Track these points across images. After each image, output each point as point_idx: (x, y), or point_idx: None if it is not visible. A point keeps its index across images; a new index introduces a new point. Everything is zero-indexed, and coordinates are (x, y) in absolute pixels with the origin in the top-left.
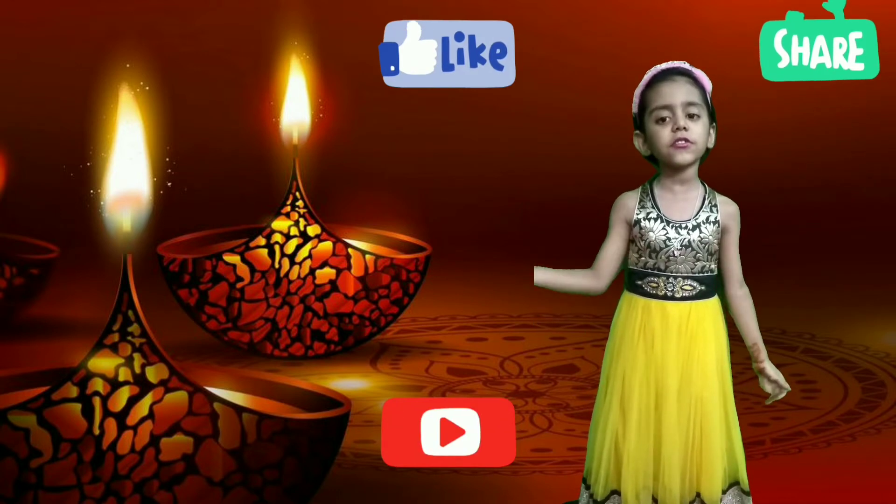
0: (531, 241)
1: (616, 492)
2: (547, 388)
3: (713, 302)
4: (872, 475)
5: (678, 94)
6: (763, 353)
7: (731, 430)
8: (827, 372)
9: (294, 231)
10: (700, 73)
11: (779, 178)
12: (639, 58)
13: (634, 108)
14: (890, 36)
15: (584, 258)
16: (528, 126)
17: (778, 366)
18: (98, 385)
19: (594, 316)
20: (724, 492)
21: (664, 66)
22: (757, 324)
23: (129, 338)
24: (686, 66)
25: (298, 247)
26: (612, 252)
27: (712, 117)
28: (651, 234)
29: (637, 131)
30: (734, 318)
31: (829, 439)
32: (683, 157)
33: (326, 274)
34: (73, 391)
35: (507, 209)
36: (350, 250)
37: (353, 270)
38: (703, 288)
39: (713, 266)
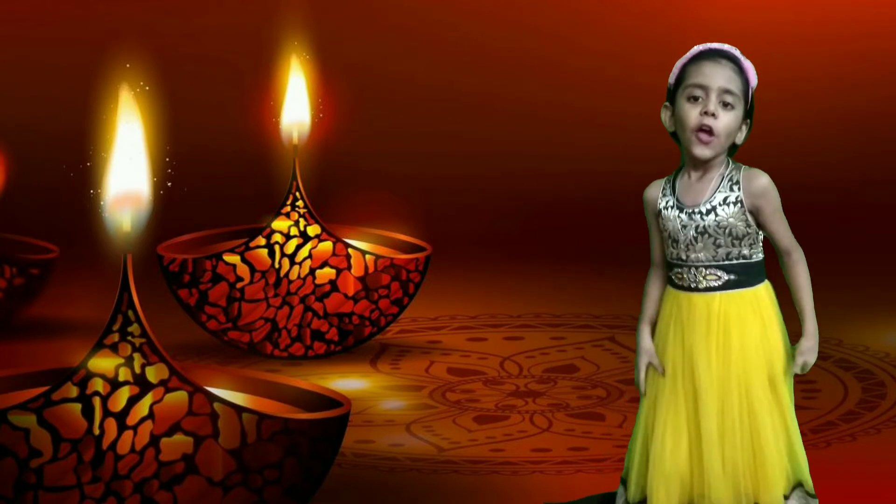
0: (531, 241)
1: None
2: (547, 388)
3: (751, 292)
4: (872, 475)
5: (718, 77)
6: (808, 326)
7: (790, 427)
8: (827, 372)
9: (294, 231)
10: (748, 65)
11: (779, 177)
12: (639, 58)
13: (671, 80)
14: (890, 36)
15: (584, 258)
16: (528, 126)
17: None
18: (98, 385)
19: (594, 316)
20: (786, 497)
21: (714, 44)
22: (809, 293)
23: (129, 338)
24: (736, 52)
25: (298, 247)
26: (659, 246)
27: (749, 114)
28: (669, 222)
29: (667, 103)
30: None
31: (829, 439)
32: (702, 151)
33: (326, 274)
34: (73, 391)
35: (507, 209)
36: (350, 250)
37: (353, 270)
38: (731, 277)
39: (745, 251)
